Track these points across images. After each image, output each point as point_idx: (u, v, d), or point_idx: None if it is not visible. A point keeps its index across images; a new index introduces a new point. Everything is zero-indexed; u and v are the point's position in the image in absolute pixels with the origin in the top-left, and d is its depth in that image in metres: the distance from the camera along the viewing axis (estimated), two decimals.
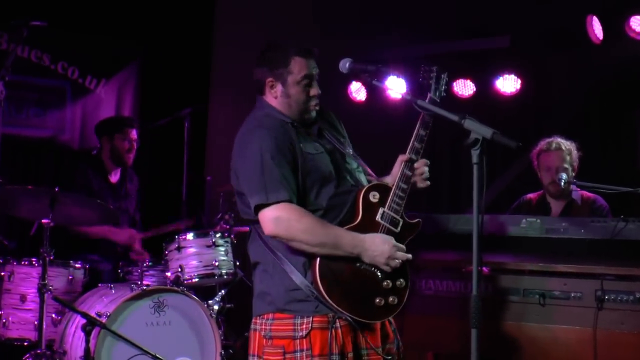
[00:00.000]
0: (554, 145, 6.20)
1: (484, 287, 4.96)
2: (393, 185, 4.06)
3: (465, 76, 8.33)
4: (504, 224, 5.32)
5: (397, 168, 4.12)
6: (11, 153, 7.64)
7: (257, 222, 3.94)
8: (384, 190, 4.06)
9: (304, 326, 3.85)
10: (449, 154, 9.13)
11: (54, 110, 7.99)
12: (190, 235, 6.14)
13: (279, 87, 4.05)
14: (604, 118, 7.92)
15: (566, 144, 6.20)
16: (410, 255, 3.98)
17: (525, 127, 8.07)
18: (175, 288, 5.88)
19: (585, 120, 7.91)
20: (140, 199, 7.28)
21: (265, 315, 3.96)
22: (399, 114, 7.90)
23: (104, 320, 5.48)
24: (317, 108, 4.12)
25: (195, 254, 6.06)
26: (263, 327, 3.96)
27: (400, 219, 4.03)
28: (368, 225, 3.95)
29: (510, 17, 8.10)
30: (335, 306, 3.81)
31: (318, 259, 3.84)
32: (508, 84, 7.98)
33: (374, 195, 4.02)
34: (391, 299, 3.93)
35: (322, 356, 3.83)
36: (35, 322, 5.88)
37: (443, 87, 4.21)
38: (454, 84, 8.34)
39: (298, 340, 3.85)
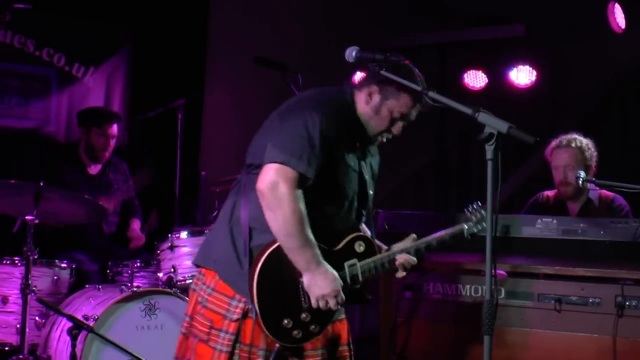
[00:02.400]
0: (564, 142, 6.14)
1: (496, 291, 4.96)
2: (378, 255, 4.17)
3: (476, 67, 8.34)
4: (518, 225, 5.32)
5: (396, 248, 4.26)
6: None
7: (255, 173, 3.93)
8: (370, 250, 4.15)
9: (238, 310, 3.91)
10: (457, 149, 9.15)
11: (38, 99, 7.98)
12: (183, 234, 6.12)
13: (376, 99, 4.07)
14: (624, 112, 7.92)
15: (578, 142, 6.11)
16: (337, 309, 3.99)
17: (540, 121, 8.08)
18: (168, 290, 5.87)
19: (605, 115, 7.91)
20: (133, 183, 7.29)
21: (207, 280, 4.01)
22: None
23: (91, 323, 5.47)
24: (384, 141, 4.19)
25: (189, 254, 6.04)
26: (202, 293, 4.02)
27: (359, 283, 4.09)
28: (335, 260, 3.99)
29: (526, 3, 8.11)
30: (255, 294, 3.85)
31: (277, 243, 3.87)
32: (522, 75, 7.98)
33: (359, 245, 4.11)
34: (296, 331, 3.94)
35: (247, 345, 3.90)
36: (18, 326, 5.87)
37: (476, 230, 4.45)
38: (465, 74, 8.34)
39: (227, 321, 3.92)
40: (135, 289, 5.80)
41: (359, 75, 4.35)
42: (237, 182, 4.13)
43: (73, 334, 5.25)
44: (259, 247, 3.91)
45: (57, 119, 8.06)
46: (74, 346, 5.26)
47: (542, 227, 5.24)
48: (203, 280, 4.05)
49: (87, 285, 6.15)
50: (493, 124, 3.56)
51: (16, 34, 7.78)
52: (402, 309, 5.51)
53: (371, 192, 4.25)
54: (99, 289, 5.93)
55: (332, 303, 3.92)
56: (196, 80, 8.57)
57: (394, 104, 4.05)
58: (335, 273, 3.94)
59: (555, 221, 5.25)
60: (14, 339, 5.95)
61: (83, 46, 8.15)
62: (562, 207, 6.21)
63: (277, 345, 3.97)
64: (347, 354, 4.23)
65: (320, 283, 3.89)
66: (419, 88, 3.97)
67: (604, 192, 6.14)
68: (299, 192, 3.83)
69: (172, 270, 6.01)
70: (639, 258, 4.93)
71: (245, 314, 3.91)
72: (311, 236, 3.86)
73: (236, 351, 3.90)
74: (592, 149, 6.12)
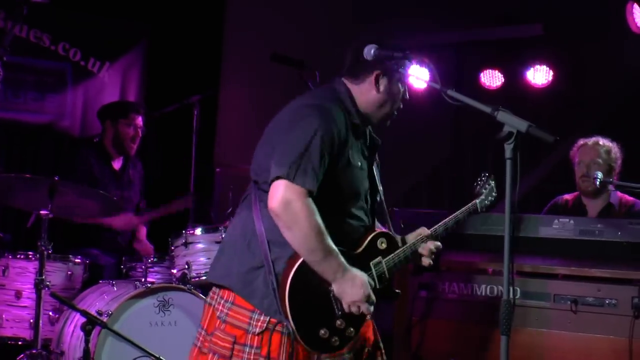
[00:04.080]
0: (591, 141, 6.20)
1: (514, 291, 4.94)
2: (401, 249, 4.18)
3: (493, 66, 8.32)
4: (535, 225, 5.30)
5: (413, 237, 4.28)
6: (7, 139, 7.69)
7: (264, 189, 3.91)
8: (392, 244, 4.17)
9: (260, 323, 3.86)
10: (472, 147, 9.13)
11: (53, 94, 8.00)
12: (198, 231, 6.12)
13: (384, 82, 4.06)
14: None
15: (606, 142, 6.19)
16: (371, 312, 3.98)
17: (558, 122, 8.03)
18: (182, 286, 5.88)
19: (623, 116, 7.87)
20: (144, 185, 7.29)
21: (225, 295, 3.97)
22: (423, 105, 7.89)
23: (104, 319, 5.49)
24: (389, 123, 4.20)
25: (204, 251, 6.04)
26: (220, 307, 3.97)
27: (387, 279, 4.10)
28: (360, 262, 4.00)
29: (543, 3, 8.08)
30: (288, 311, 3.82)
31: (302, 259, 3.85)
32: (539, 75, 7.96)
33: (382, 242, 4.13)
34: (334, 339, 3.93)
35: (265, 358, 3.84)
36: (31, 320, 5.89)
37: (488, 202, 4.58)
38: (482, 74, 8.32)
39: (250, 335, 3.87)
40: (149, 285, 5.80)
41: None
42: (247, 196, 4.10)
43: (86, 329, 5.26)
44: (279, 260, 3.89)
45: (72, 113, 8.08)
46: (87, 341, 5.26)
47: (559, 227, 5.23)
48: (220, 295, 4.01)
49: (100, 281, 6.16)
50: (512, 122, 3.55)
51: (32, 29, 7.81)
52: (418, 308, 5.51)
53: (381, 188, 4.24)
54: (112, 285, 5.93)
55: (364, 307, 3.91)
56: (212, 76, 8.57)
57: (402, 77, 4.08)
58: (364, 276, 3.93)
59: (572, 221, 5.23)
60: (27, 334, 5.96)
61: (99, 41, 8.17)
62: (582, 209, 6.21)
63: (316, 357, 3.96)
64: (380, 352, 4.23)
65: (350, 290, 3.87)
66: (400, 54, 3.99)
67: (625, 196, 6.15)
68: (312, 204, 3.79)
69: (186, 266, 6.00)
70: None
71: (267, 328, 3.86)
72: (333, 245, 3.84)
73: None
74: (618, 152, 6.16)
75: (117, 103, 7.57)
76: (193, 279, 5.98)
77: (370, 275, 4.00)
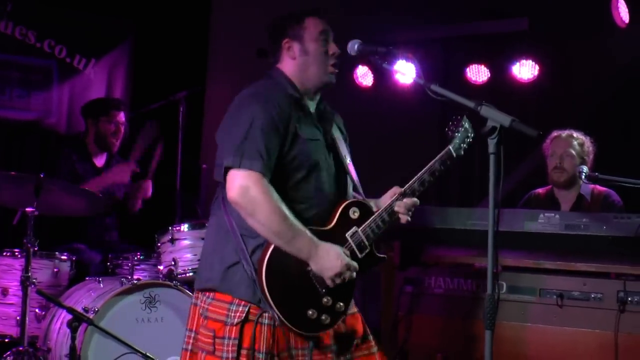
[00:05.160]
0: (564, 134, 6.21)
1: (497, 286, 4.95)
2: (376, 212, 4.10)
3: (479, 61, 8.31)
4: (520, 219, 5.31)
5: (388, 198, 4.16)
6: None
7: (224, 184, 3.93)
8: (366, 211, 4.10)
9: (238, 314, 3.87)
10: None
11: (39, 91, 7.96)
12: (184, 227, 6.11)
13: (295, 46, 4.08)
14: (628, 108, 7.89)
15: (578, 135, 6.21)
16: (353, 283, 3.97)
17: (543, 115, 8.04)
18: (168, 282, 5.87)
19: (608, 110, 7.88)
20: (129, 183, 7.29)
21: (208, 292, 3.99)
22: (408, 100, 7.90)
23: (91, 316, 5.48)
24: (336, 71, 4.14)
25: (190, 247, 6.03)
26: (202, 304, 4.00)
27: (368, 247, 4.05)
28: (335, 237, 3.97)
29: None
30: (269, 300, 3.82)
31: (273, 245, 3.85)
32: (525, 70, 7.96)
33: (354, 211, 4.06)
34: (324, 317, 3.92)
35: (248, 350, 3.84)
36: (18, 318, 5.87)
37: (465, 144, 4.28)
38: (467, 69, 8.32)
39: (228, 327, 3.87)
40: (135, 282, 5.80)
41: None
42: (216, 199, 4.11)
43: (73, 326, 5.25)
44: (255, 252, 3.89)
45: (58, 110, 8.04)
46: (73, 338, 5.26)
47: (545, 221, 5.24)
48: (203, 293, 4.02)
49: (87, 278, 6.15)
50: (495, 117, 3.56)
51: (17, 26, 7.76)
52: (404, 303, 5.52)
53: (348, 160, 4.20)
54: (99, 281, 5.92)
55: (347, 275, 3.90)
56: (198, 72, 8.55)
57: (309, 32, 4.08)
58: (337, 247, 3.90)
59: (557, 216, 5.25)
60: (14, 331, 5.96)
61: (84, 38, 8.13)
62: (554, 201, 6.22)
63: (310, 342, 3.94)
64: (370, 344, 4.18)
65: (327, 264, 3.86)
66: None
67: (598, 187, 6.15)
68: (269, 187, 3.81)
69: (173, 263, 5.99)
70: None
71: (247, 319, 3.87)
72: (299, 224, 3.84)
73: (241, 357, 3.85)
74: (590, 146, 6.17)
75: (99, 100, 7.52)
76: (179, 276, 5.97)
77: (349, 246, 3.98)
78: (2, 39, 7.56)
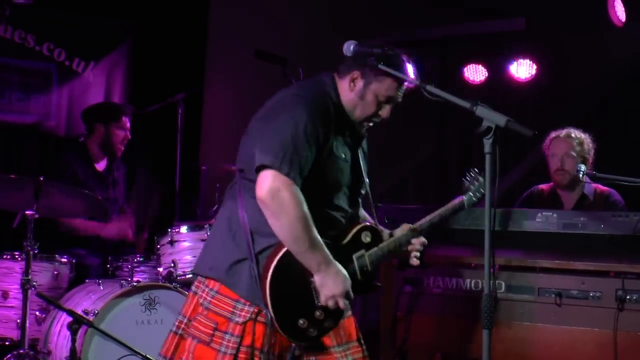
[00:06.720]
0: (563, 133, 6.19)
1: (495, 285, 4.95)
2: (385, 242, 4.18)
3: (476, 61, 8.33)
4: (518, 218, 5.31)
5: (398, 233, 4.26)
6: None
7: (249, 179, 3.92)
8: (376, 238, 4.17)
9: (244, 313, 3.88)
10: (458, 143, 9.13)
11: (38, 94, 7.97)
12: (184, 229, 6.11)
13: (359, 84, 4.04)
14: (625, 106, 7.90)
15: (577, 134, 6.18)
16: (348, 308, 4.01)
17: (541, 115, 8.05)
18: (168, 284, 5.86)
19: (606, 109, 7.88)
20: (128, 187, 7.27)
21: (210, 284, 3.99)
22: (403, 101, 7.88)
23: (91, 318, 5.48)
24: (370, 126, 4.16)
25: (189, 249, 6.03)
26: (204, 295, 3.99)
27: (369, 272, 4.11)
28: (343, 254, 4.01)
29: None
30: (268, 299, 3.84)
31: (285, 248, 3.86)
32: (523, 69, 7.97)
33: (366, 235, 4.13)
34: (312, 329, 3.94)
35: (248, 347, 3.86)
36: (18, 320, 5.86)
37: (475, 198, 4.41)
38: (465, 69, 8.32)
39: (233, 324, 3.88)
40: (135, 284, 5.79)
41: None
42: (232, 187, 4.11)
43: (73, 328, 5.25)
44: (263, 251, 3.90)
45: (57, 113, 8.05)
46: (74, 341, 5.26)
47: (543, 220, 5.23)
48: (205, 284, 4.02)
49: (87, 280, 6.14)
50: (491, 117, 3.55)
51: (16, 29, 7.77)
52: (403, 303, 5.51)
53: (367, 180, 4.23)
54: (99, 284, 5.92)
55: (341, 303, 3.92)
56: (196, 74, 8.56)
57: (378, 87, 4.03)
58: (345, 272, 3.93)
59: (555, 215, 5.24)
60: (14, 334, 5.94)
61: (83, 41, 8.14)
62: (557, 199, 6.21)
63: (293, 345, 3.97)
64: (359, 349, 4.20)
65: (331, 284, 3.88)
66: (405, 77, 3.98)
67: (600, 186, 6.14)
68: (300, 194, 3.81)
69: (172, 264, 5.99)
70: (639, 252, 4.92)
71: (250, 318, 3.88)
72: (318, 237, 3.85)
73: (240, 354, 3.86)
74: (590, 144, 6.15)
75: (108, 105, 7.52)
76: (179, 277, 5.97)
77: (352, 267, 4.02)
78: (1, 43, 7.57)
